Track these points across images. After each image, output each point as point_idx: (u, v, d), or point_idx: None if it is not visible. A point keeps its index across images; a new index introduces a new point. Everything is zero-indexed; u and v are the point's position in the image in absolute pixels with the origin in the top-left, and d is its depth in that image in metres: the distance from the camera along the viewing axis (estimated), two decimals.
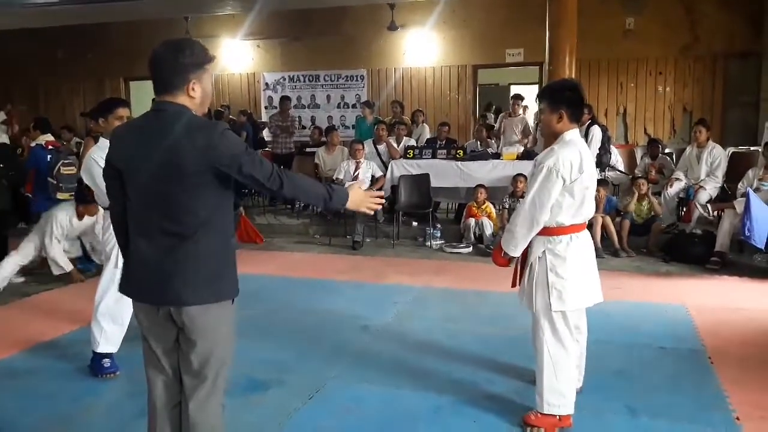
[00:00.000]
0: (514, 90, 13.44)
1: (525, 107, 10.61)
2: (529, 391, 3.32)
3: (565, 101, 2.84)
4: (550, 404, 2.91)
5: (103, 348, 3.60)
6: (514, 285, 3.12)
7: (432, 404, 3.25)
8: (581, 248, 2.90)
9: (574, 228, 2.87)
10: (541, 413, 2.94)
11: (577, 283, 2.86)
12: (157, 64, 2.07)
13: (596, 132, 7.13)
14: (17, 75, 13.02)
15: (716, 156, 6.86)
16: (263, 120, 11.65)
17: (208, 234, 2.06)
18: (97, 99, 12.81)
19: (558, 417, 2.93)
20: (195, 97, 2.09)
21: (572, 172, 2.76)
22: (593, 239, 6.41)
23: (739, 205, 5.73)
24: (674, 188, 7.05)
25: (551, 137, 2.95)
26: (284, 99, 10.24)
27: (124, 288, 2.20)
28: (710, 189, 6.79)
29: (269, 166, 2.07)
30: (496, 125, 8.99)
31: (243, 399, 3.29)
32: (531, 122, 8.92)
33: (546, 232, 2.85)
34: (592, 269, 2.96)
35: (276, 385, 3.49)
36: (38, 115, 8.95)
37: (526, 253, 2.96)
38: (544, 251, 2.88)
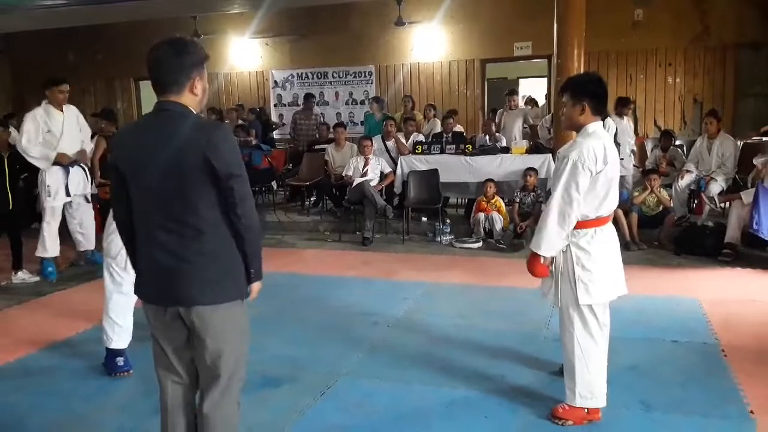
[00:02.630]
0: (523, 84, 13.51)
1: (530, 99, 10.57)
2: (540, 385, 3.34)
3: (588, 93, 2.82)
4: (583, 396, 2.91)
5: (116, 344, 3.63)
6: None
7: (443, 400, 3.25)
8: (606, 241, 2.88)
9: (598, 221, 2.84)
10: (570, 405, 2.94)
11: (603, 276, 2.85)
12: (159, 65, 2.06)
13: (611, 124, 7.10)
14: (28, 77, 13.11)
15: (727, 147, 6.81)
16: (274, 120, 11.70)
17: (215, 233, 2.06)
18: (108, 99, 13.01)
19: (587, 410, 2.93)
20: (198, 94, 2.11)
21: (597, 164, 2.74)
22: None
23: (746, 196, 5.68)
24: (685, 180, 7.00)
25: (573, 130, 2.94)
26: (308, 96, 10.25)
27: (136, 289, 2.22)
28: (721, 180, 6.74)
29: (250, 192, 2.11)
30: (496, 120, 9.02)
31: (255, 395, 3.30)
32: (540, 114, 8.96)
33: (578, 225, 2.82)
34: (616, 262, 2.95)
35: (288, 381, 3.50)
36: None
37: None
38: (568, 245, 2.85)
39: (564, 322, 2.97)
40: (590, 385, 2.91)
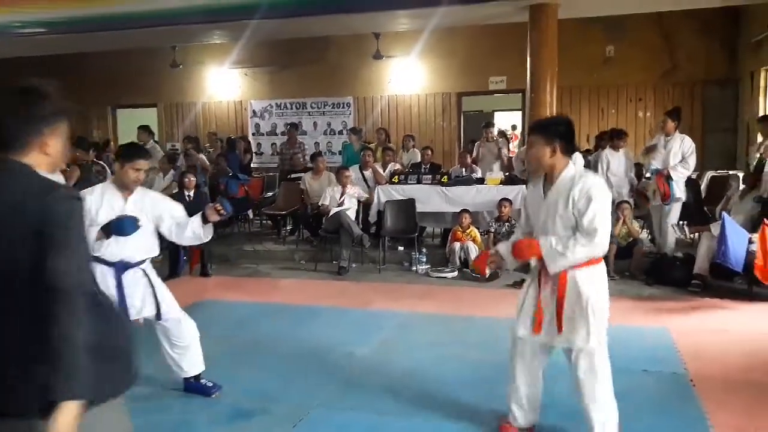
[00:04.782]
0: (498, 117, 13.77)
1: (501, 132, 10.66)
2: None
3: (560, 135, 2.86)
4: (611, 419, 2.94)
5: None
6: (539, 330, 2.94)
7: (417, 430, 3.24)
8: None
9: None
10: None
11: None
12: None
13: (579, 159, 7.22)
14: None
15: (686, 145, 6.83)
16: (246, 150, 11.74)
17: (40, 316, 1.55)
18: (84, 127, 12.92)
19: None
20: (50, 154, 1.72)
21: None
22: None
23: (715, 228, 5.81)
24: (673, 215, 6.95)
25: (539, 170, 2.98)
26: (292, 126, 10.34)
27: None
28: (680, 173, 6.72)
29: (77, 265, 1.60)
30: (474, 152, 9.16)
31: (227, 428, 3.27)
32: (511, 146, 9.12)
33: (593, 261, 2.85)
34: None
35: (260, 413, 3.46)
36: None
37: (563, 291, 2.84)
38: (593, 281, 2.85)
39: (589, 364, 2.88)
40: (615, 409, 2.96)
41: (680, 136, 6.87)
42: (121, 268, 3.40)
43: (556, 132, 2.87)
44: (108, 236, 3.31)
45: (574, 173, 2.88)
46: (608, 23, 9.74)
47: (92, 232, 3.28)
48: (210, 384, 3.72)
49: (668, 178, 6.71)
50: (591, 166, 7.61)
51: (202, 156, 9.39)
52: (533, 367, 3.04)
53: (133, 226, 3.31)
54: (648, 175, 7.10)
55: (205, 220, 3.43)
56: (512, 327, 3.05)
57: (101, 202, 3.39)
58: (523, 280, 6.40)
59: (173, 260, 6.97)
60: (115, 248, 3.37)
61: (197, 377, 3.71)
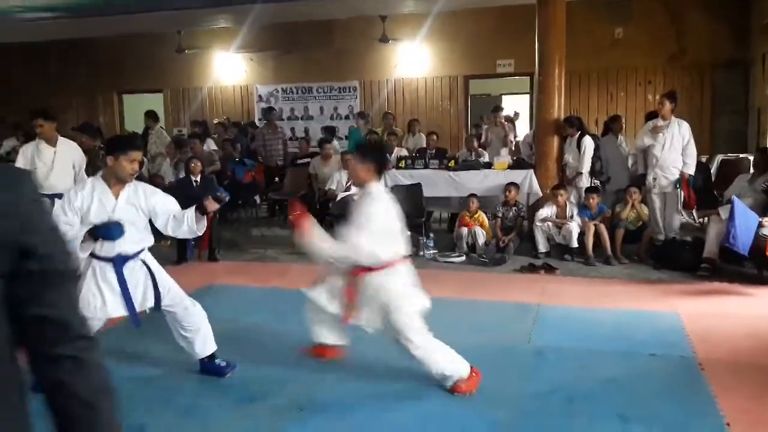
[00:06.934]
0: (506, 100, 13.68)
1: (515, 114, 10.55)
2: (520, 400, 3.35)
3: (374, 158, 3.41)
4: (454, 371, 3.39)
5: None
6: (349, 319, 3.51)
7: (421, 414, 3.26)
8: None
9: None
10: (460, 379, 3.40)
11: None
12: None
13: (588, 142, 7.20)
14: (10, 90, 13.03)
15: (686, 131, 6.74)
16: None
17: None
18: (90, 112, 12.95)
19: (470, 373, 3.42)
20: None
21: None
22: (585, 246, 6.51)
23: (723, 211, 5.77)
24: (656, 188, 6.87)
25: (359, 183, 3.49)
26: (269, 110, 10.27)
27: None
28: (691, 166, 6.63)
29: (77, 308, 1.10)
30: (483, 137, 9.11)
31: (233, 413, 3.29)
32: (520, 132, 9.11)
33: (387, 265, 3.38)
34: None
35: (267, 397, 3.48)
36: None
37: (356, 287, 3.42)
38: (388, 278, 3.40)
39: (400, 335, 3.39)
40: (451, 362, 3.43)
41: (677, 120, 6.77)
42: (120, 261, 3.39)
43: (371, 157, 3.41)
44: (95, 240, 3.29)
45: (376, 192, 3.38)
46: (616, 5, 9.62)
47: (83, 232, 3.27)
48: (224, 364, 3.76)
49: (690, 179, 6.60)
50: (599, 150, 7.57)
51: (208, 143, 9.34)
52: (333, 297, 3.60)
53: (120, 231, 3.28)
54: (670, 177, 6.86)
55: (202, 212, 3.42)
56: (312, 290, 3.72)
57: (92, 199, 3.33)
58: (531, 265, 6.44)
59: (181, 246, 6.98)
60: (108, 245, 3.36)
61: (212, 357, 3.74)
